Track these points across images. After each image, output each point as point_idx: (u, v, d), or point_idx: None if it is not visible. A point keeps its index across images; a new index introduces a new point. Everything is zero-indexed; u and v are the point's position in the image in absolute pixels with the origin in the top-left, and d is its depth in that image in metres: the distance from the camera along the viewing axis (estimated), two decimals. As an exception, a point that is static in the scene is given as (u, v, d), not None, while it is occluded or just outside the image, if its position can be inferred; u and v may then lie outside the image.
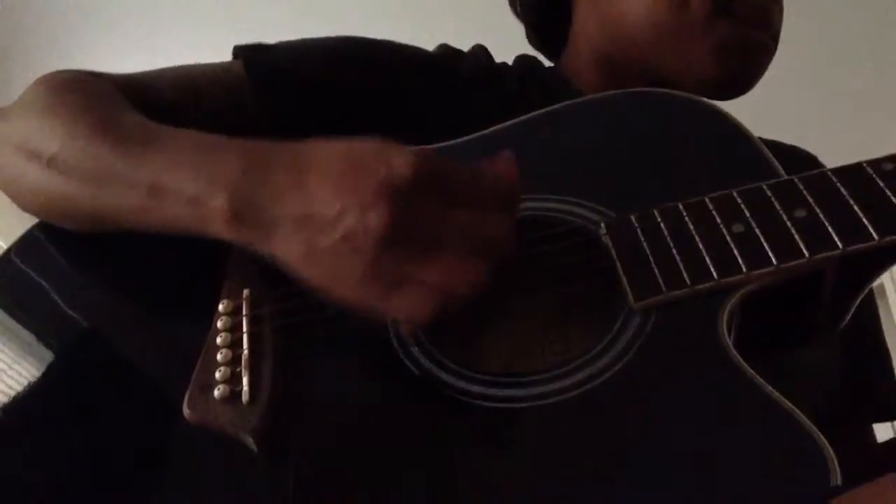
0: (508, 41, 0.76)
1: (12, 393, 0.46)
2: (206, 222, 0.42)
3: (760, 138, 0.52)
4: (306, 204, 0.39)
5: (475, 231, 0.38)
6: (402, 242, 0.37)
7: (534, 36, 0.77)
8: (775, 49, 0.65)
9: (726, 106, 0.59)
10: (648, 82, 0.60)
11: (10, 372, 0.47)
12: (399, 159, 0.38)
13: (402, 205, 0.37)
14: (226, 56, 0.62)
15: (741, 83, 0.64)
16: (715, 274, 0.42)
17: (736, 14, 0.61)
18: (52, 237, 0.53)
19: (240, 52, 0.61)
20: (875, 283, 0.50)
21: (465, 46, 0.70)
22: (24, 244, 0.54)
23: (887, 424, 0.71)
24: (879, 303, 0.75)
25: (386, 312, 0.39)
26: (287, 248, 0.40)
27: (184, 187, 0.43)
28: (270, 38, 0.64)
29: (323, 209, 0.38)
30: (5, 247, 0.55)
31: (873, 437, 0.66)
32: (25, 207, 0.53)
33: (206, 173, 0.42)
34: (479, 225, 0.38)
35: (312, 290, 0.40)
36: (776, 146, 0.68)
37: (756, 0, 0.63)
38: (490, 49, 0.71)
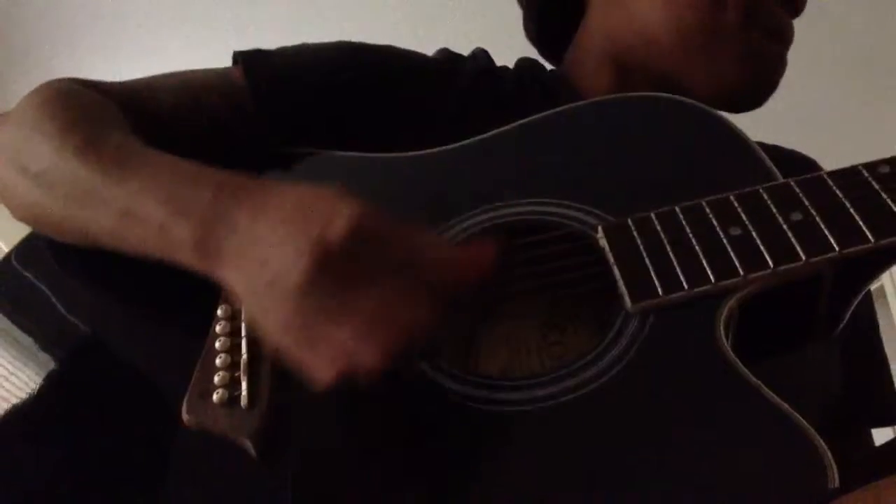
0: (509, 44, 0.75)
1: (13, 399, 0.46)
2: (172, 249, 0.43)
3: (759, 143, 0.52)
4: (251, 243, 0.40)
5: (388, 308, 0.38)
6: (316, 299, 0.38)
7: (536, 30, 0.76)
8: (786, 65, 0.65)
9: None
10: (659, 86, 0.60)
11: (10, 378, 0.47)
12: (339, 218, 0.38)
13: (324, 262, 0.37)
14: (226, 59, 0.62)
15: (759, 94, 0.64)
16: (712, 277, 0.42)
17: (759, 24, 0.62)
18: (53, 242, 0.54)
19: (239, 57, 0.61)
20: (874, 285, 0.50)
21: (466, 50, 0.70)
22: (25, 249, 0.55)
23: (886, 430, 0.71)
24: (879, 304, 0.75)
25: (298, 364, 0.39)
26: (232, 282, 0.41)
27: (154, 213, 0.44)
28: (270, 42, 0.64)
29: (262, 250, 0.39)
30: (6, 249, 0.55)
31: (871, 441, 0.66)
32: (18, 218, 0.53)
33: (177, 201, 0.43)
34: (395, 303, 0.38)
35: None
36: (775, 150, 0.68)
37: (780, 16, 0.63)
38: (491, 52, 0.70)
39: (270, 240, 0.39)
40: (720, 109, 0.54)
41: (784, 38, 0.64)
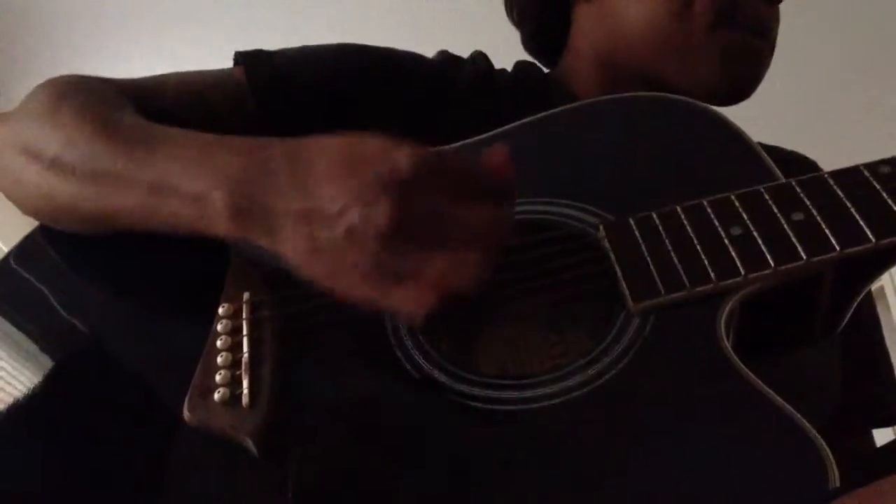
0: (508, 47, 0.76)
1: (13, 399, 0.46)
2: (208, 220, 0.42)
3: (760, 143, 0.52)
4: (308, 199, 0.39)
5: (472, 226, 0.39)
6: (403, 238, 0.37)
7: (531, 43, 0.77)
8: (772, 56, 0.65)
9: (726, 110, 0.59)
10: (648, 88, 0.61)
11: (10, 378, 0.47)
12: (399, 155, 0.38)
13: (404, 200, 0.37)
14: (228, 60, 0.63)
15: (742, 90, 0.64)
16: (713, 277, 0.42)
17: (737, 22, 0.61)
18: (52, 242, 0.54)
19: (241, 58, 0.61)
20: (875, 285, 0.50)
21: (465, 53, 0.71)
22: (24, 249, 0.55)
23: (887, 430, 0.71)
24: (879, 304, 0.75)
25: (388, 307, 0.39)
26: (290, 244, 0.40)
27: (185, 185, 0.43)
28: (272, 44, 0.64)
29: (325, 205, 0.38)
30: (5, 249, 0.55)
31: (872, 441, 0.66)
32: (27, 210, 0.53)
33: (206, 171, 0.42)
34: (479, 219, 0.39)
35: (316, 285, 0.40)
36: (776, 151, 0.68)
37: (756, 9, 0.63)
38: (489, 55, 0.71)
39: (330, 191, 0.38)
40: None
41: (764, 31, 0.63)
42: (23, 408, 0.46)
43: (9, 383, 0.47)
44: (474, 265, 0.38)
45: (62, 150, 0.48)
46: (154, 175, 0.44)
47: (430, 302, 0.38)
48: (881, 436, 0.66)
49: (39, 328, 0.51)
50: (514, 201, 0.42)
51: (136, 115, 0.50)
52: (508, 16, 0.77)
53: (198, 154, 0.44)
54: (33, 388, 0.47)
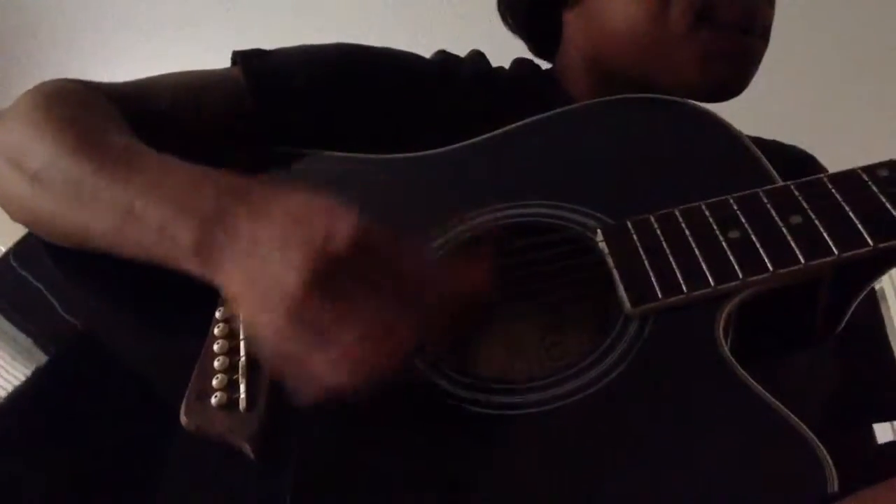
0: (505, 46, 0.76)
1: (9, 398, 0.46)
2: (170, 251, 0.43)
3: (759, 138, 0.52)
4: (250, 249, 0.40)
5: (383, 324, 0.38)
6: (312, 309, 0.37)
7: (528, 45, 0.77)
8: (765, 46, 0.64)
9: (727, 106, 0.59)
10: (639, 89, 0.60)
11: (6, 376, 0.47)
12: (341, 229, 0.38)
13: (323, 273, 0.37)
14: (226, 60, 0.62)
15: (729, 88, 0.63)
16: (711, 280, 0.42)
17: (718, 20, 0.60)
18: (51, 243, 0.54)
19: (238, 57, 0.61)
20: (875, 288, 0.50)
21: (463, 52, 0.71)
22: (23, 248, 0.55)
23: (887, 424, 0.71)
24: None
25: (286, 374, 0.39)
26: (228, 287, 0.41)
27: (155, 214, 0.43)
28: (270, 43, 0.64)
29: (260, 256, 0.39)
30: (3, 250, 0.55)
31: (874, 441, 0.66)
32: (14, 218, 0.53)
33: (177, 206, 0.43)
34: (390, 319, 0.38)
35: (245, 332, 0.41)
36: (774, 146, 0.68)
37: (740, 5, 0.61)
38: (487, 54, 0.71)
39: (270, 246, 0.39)
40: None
41: (751, 26, 0.61)
42: (19, 407, 0.46)
43: (7, 381, 0.47)
44: (369, 361, 0.38)
45: (44, 164, 0.48)
46: (128, 200, 0.45)
47: (315, 389, 0.38)
48: (882, 432, 0.66)
49: (37, 327, 0.51)
50: (441, 315, 0.41)
51: (122, 131, 0.50)
52: (503, 21, 0.77)
53: (174, 185, 0.44)
54: (30, 387, 0.47)
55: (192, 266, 0.42)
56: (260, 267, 0.39)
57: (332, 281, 0.37)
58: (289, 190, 0.42)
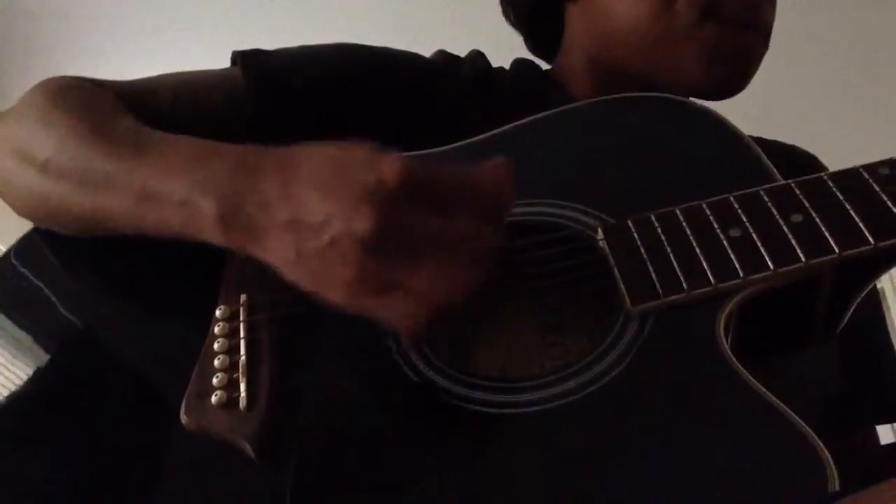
0: (505, 46, 0.76)
1: (9, 397, 0.46)
2: (196, 226, 0.42)
3: (760, 138, 0.52)
4: (293, 209, 0.39)
5: (460, 240, 0.38)
6: (387, 249, 0.37)
7: (529, 43, 0.77)
8: (767, 44, 0.64)
9: (728, 105, 0.59)
10: (641, 87, 0.60)
11: (7, 374, 0.47)
12: (386, 166, 0.38)
13: (388, 211, 0.37)
14: (225, 60, 0.62)
15: (732, 86, 0.64)
16: (712, 279, 0.42)
17: (723, 16, 0.60)
18: (52, 240, 0.54)
19: (238, 57, 0.61)
20: (876, 286, 0.50)
21: (463, 52, 0.71)
22: (24, 247, 0.55)
23: (888, 427, 0.71)
24: (880, 307, 0.74)
25: (377, 317, 0.39)
26: (276, 253, 0.40)
27: (174, 191, 0.43)
28: (270, 44, 0.64)
29: (309, 214, 0.38)
30: (4, 249, 0.55)
31: (877, 441, 0.66)
32: (20, 211, 0.53)
33: (196, 178, 0.43)
34: (465, 234, 0.38)
35: (305, 293, 0.40)
36: (776, 146, 0.68)
37: (746, 1, 0.62)
38: (487, 54, 0.71)
39: (315, 201, 0.38)
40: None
41: (755, 21, 0.62)
42: (20, 406, 0.46)
43: (8, 378, 0.47)
44: (462, 278, 0.38)
45: (54, 152, 0.48)
46: (144, 180, 0.44)
47: (418, 314, 0.38)
48: (883, 434, 0.66)
49: (38, 326, 0.50)
50: (503, 216, 0.41)
51: (129, 118, 0.50)
52: (505, 17, 0.77)
53: (188, 161, 0.44)
54: (30, 386, 0.47)
55: (218, 238, 0.42)
56: (316, 225, 0.38)
57: (398, 212, 0.37)
58: (306, 147, 0.41)
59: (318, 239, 0.38)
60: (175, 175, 0.43)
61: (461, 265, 0.38)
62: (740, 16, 0.61)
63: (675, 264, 0.43)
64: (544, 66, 0.75)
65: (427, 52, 0.69)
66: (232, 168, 0.42)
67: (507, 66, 0.73)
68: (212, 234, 0.42)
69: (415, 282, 0.37)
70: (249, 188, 0.41)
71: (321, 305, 0.40)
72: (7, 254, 0.54)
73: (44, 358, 0.49)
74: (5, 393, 0.46)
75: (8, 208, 0.54)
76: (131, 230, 0.47)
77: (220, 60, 0.63)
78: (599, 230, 0.47)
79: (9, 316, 0.51)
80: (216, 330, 0.45)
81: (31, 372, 0.48)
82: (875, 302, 0.69)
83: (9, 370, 0.48)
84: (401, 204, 0.37)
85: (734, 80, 0.63)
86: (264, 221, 0.40)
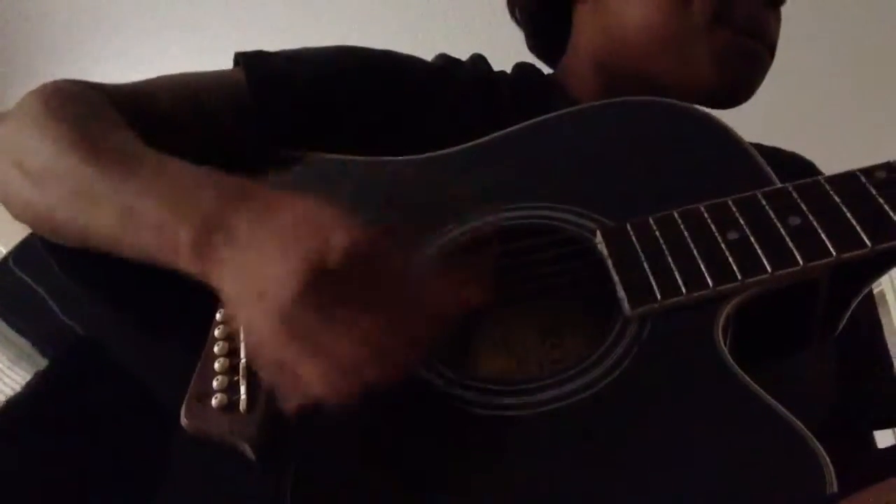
0: (507, 50, 0.76)
1: (8, 402, 0.46)
2: (169, 251, 0.43)
3: (758, 144, 0.52)
4: (247, 251, 0.40)
5: (375, 335, 0.38)
6: (304, 317, 0.37)
7: (533, 43, 0.77)
8: (772, 60, 0.65)
9: (727, 112, 0.59)
10: (646, 90, 0.61)
11: (6, 380, 0.47)
12: (337, 238, 0.38)
13: (316, 281, 0.37)
14: (227, 62, 0.63)
15: (740, 91, 0.64)
16: (710, 282, 0.42)
17: (734, 23, 0.62)
18: (51, 244, 0.54)
19: (240, 59, 0.61)
20: (874, 289, 0.50)
21: (464, 55, 0.71)
22: (23, 251, 0.55)
23: (888, 431, 0.71)
24: (879, 308, 0.75)
25: (273, 380, 0.40)
26: (223, 289, 0.41)
27: (154, 213, 0.44)
28: (271, 46, 0.64)
29: (254, 260, 0.39)
30: (4, 251, 0.55)
31: (874, 444, 0.66)
32: (16, 217, 0.53)
33: (177, 205, 0.43)
34: (382, 330, 0.38)
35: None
36: (774, 153, 0.68)
37: (753, 10, 0.63)
38: (489, 58, 0.71)
39: (266, 250, 0.39)
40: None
41: (762, 33, 0.63)
42: (18, 411, 0.46)
43: (7, 384, 0.47)
44: (359, 372, 0.38)
45: (45, 164, 0.48)
46: (126, 200, 0.45)
47: (298, 398, 0.38)
48: (882, 437, 0.66)
49: (36, 330, 0.51)
50: (438, 330, 0.41)
51: (124, 132, 0.51)
52: (511, 15, 0.77)
53: (175, 184, 0.44)
54: (30, 390, 0.47)
55: (189, 266, 0.42)
56: (256, 271, 0.39)
57: (325, 292, 0.37)
58: (290, 196, 0.42)
59: (252, 287, 0.39)
60: (158, 198, 0.44)
61: (356, 370, 0.38)
62: (749, 25, 0.62)
63: (674, 267, 0.43)
64: (546, 70, 0.75)
65: (429, 55, 0.70)
66: (214, 200, 0.42)
67: (508, 70, 0.73)
68: (184, 260, 0.42)
69: (302, 370, 0.38)
70: (223, 221, 0.41)
71: None
72: (6, 258, 0.54)
73: (43, 362, 0.49)
74: (4, 398, 0.46)
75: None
76: (111, 250, 0.47)
77: (221, 62, 0.63)
78: (598, 233, 0.47)
79: (8, 321, 0.51)
80: (216, 333, 0.46)
81: (30, 376, 0.48)
82: (872, 304, 0.69)
83: (8, 376, 0.48)
84: (333, 277, 0.37)
85: (742, 85, 0.64)
86: (224, 255, 0.41)
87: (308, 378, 0.38)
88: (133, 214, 0.44)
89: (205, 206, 0.42)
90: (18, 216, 0.53)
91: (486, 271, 0.43)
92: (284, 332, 0.38)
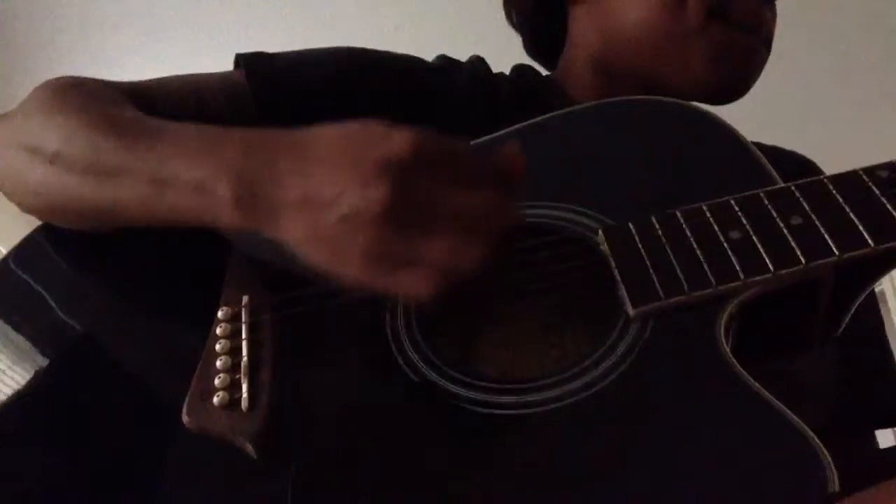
0: (506, 51, 0.76)
1: (10, 401, 0.46)
2: (211, 210, 0.42)
3: (759, 143, 0.52)
4: (307, 186, 0.39)
5: (475, 210, 0.38)
6: (402, 220, 0.37)
7: (530, 45, 0.77)
8: (768, 55, 0.66)
9: (727, 110, 0.60)
10: (644, 89, 0.61)
11: (7, 380, 0.47)
12: (399, 138, 0.38)
13: (402, 182, 0.37)
14: (227, 61, 0.63)
15: (737, 87, 0.65)
16: (713, 281, 0.42)
17: (730, 18, 0.62)
18: (51, 243, 0.54)
19: (241, 60, 0.61)
20: (876, 290, 0.50)
21: (464, 57, 0.71)
22: (23, 251, 0.55)
23: (888, 430, 0.71)
24: (880, 308, 0.75)
25: (391, 291, 0.39)
26: (291, 231, 0.40)
27: (187, 176, 0.43)
28: (272, 47, 0.64)
29: (323, 189, 0.38)
30: (4, 251, 0.55)
31: (875, 443, 0.66)
32: (29, 208, 0.53)
33: (208, 162, 0.43)
34: (479, 204, 0.39)
35: (320, 273, 0.40)
36: (774, 151, 0.69)
37: (749, 5, 0.64)
38: (488, 59, 0.71)
39: (328, 176, 0.38)
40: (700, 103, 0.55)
41: (758, 28, 0.64)
42: (18, 410, 0.46)
43: (7, 384, 0.47)
44: (475, 250, 0.38)
45: (63, 145, 0.48)
46: (156, 166, 0.44)
47: (433, 286, 0.38)
48: (883, 437, 0.66)
49: (38, 330, 0.51)
50: (515, 189, 0.41)
51: (134, 108, 0.51)
52: (507, 18, 0.77)
53: (200, 145, 0.44)
54: (31, 390, 0.47)
55: (234, 221, 0.42)
56: (324, 200, 0.38)
57: (412, 184, 0.37)
58: (315, 127, 0.42)
59: (331, 214, 0.38)
60: (187, 160, 0.43)
61: (476, 238, 0.38)
62: (745, 20, 0.63)
63: (676, 266, 0.43)
64: (544, 72, 0.76)
65: (428, 56, 0.70)
66: (244, 150, 0.42)
67: (507, 71, 0.73)
68: (228, 217, 0.42)
69: (430, 254, 0.37)
70: (262, 168, 0.41)
71: (332, 292, 0.40)
72: (6, 258, 0.54)
73: (44, 362, 0.48)
74: (5, 398, 0.46)
75: (8, 210, 0.54)
76: (144, 221, 0.46)
77: (221, 62, 0.63)
78: (600, 232, 0.47)
79: (8, 321, 0.51)
80: (218, 331, 0.46)
81: (31, 376, 0.48)
82: (874, 304, 0.69)
83: (8, 375, 0.48)
84: (415, 176, 0.37)
85: (738, 80, 0.64)
86: (278, 199, 0.40)
87: (440, 254, 0.37)
88: (164, 180, 0.44)
89: (238, 159, 0.42)
90: (32, 205, 0.52)
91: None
92: (393, 232, 0.37)
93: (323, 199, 0.38)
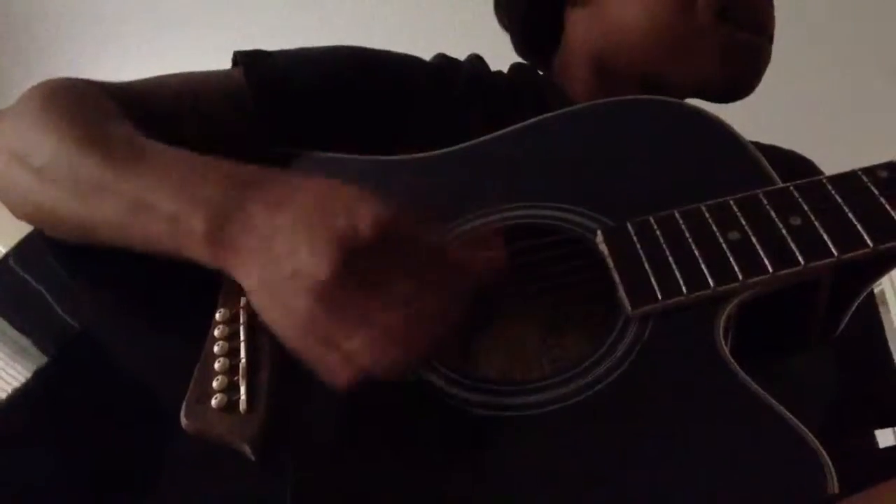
0: (505, 50, 0.76)
1: (9, 401, 0.46)
2: (183, 242, 0.43)
3: (758, 143, 0.52)
4: (269, 236, 0.39)
5: (416, 309, 0.38)
6: (337, 299, 0.37)
7: (522, 47, 0.77)
8: (770, 55, 0.66)
9: (727, 110, 0.60)
10: (644, 89, 0.61)
11: (6, 378, 0.47)
12: (364, 213, 0.38)
13: (347, 262, 0.37)
14: (226, 61, 0.63)
15: (744, 86, 0.65)
16: (711, 282, 0.42)
17: (737, 19, 0.63)
18: (51, 243, 0.54)
19: (240, 58, 0.61)
20: (875, 289, 0.50)
21: (462, 56, 0.71)
22: (23, 250, 0.55)
23: (888, 430, 0.71)
24: (879, 308, 0.75)
25: (314, 366, 0.39)
26: (245, 276, 0.40)
27: (165, 206, 0.43)
28: (271, 46, 0.64)
29: (280, 244, 0.39)
30: (3, 251, 0.55)
31: (875, 443, 0.66)
32: (17, 214, 0.53)
33: (188, 193, 0.43)
34: (423, 305, 0.38)
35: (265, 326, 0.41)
36: (773, 150, 0.68)
37: (754, 4, 0.64)
38: (486, 58, 0.71)
39: (291, 233, 0.38)
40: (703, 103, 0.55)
41: (763, 29, 0.65)
42: (18, 409, 0.46)
43: (7, 383, 0.47)
44: (398, 354, 0.37)
45: (49, 158, 0.48)
46: (136, 191, 0.45)
47: (346, 378, 0.38)
48: (883, 437, 0.66)
49: (37, 329, 0.51)
50: (468, 296, 0.40)
51: (126, 125, 0.50)
52: (499, 21, 0.77)
53: (182, 174, 0.44)
54: (29, 389, 0.47)
55: (204, 256, 0.42)
56: (281, 254, 0.38)
57: (361, 264, 0.37)
58: (304, 178, 0.42)
59: (280, 270, 0.38)
60: (168, 190, 0.43)
61: (400, 343, 0.37)
62: (752, 20, 0.63)
63: (675, 267, 0.43)
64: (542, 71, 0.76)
65: (427, 55, 0.70)
66: (225, 188, 0.42)
67: (505, 70, 0.73)
68: (199, 251, 0.42)
69: (349, 345, 0.37)
70: (237, 208, 0.41)
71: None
72: (6, 257, 0.54)
73: (42, 361, 0.48)
74: (3, 396, 0.46)
75: (8, 210, 0.54)
76: (119, 242, 0.47)
77: (220, 61, 0.63)
78: (599, 233, 0.47)
79: (8, 319, 0.51)
80: (216, 333, 0.45)
81: (29, 375, 0.48)
82: (872, 305, 0.69)
83: (7, 374, 0.48)
84: (364, 257, 0.37)
85: (745, 80, 0.65)
86: (241, 243, 0.40)
87: (358, 349, 0.37)
88: (143, 205, 0.44)
89: (218, 195, 0.42)
90: (21, 213, 0.53)
91: (500, 247, 0.43)
92: (325, 308, 0.37)
93: (276, 254, 0.39)
